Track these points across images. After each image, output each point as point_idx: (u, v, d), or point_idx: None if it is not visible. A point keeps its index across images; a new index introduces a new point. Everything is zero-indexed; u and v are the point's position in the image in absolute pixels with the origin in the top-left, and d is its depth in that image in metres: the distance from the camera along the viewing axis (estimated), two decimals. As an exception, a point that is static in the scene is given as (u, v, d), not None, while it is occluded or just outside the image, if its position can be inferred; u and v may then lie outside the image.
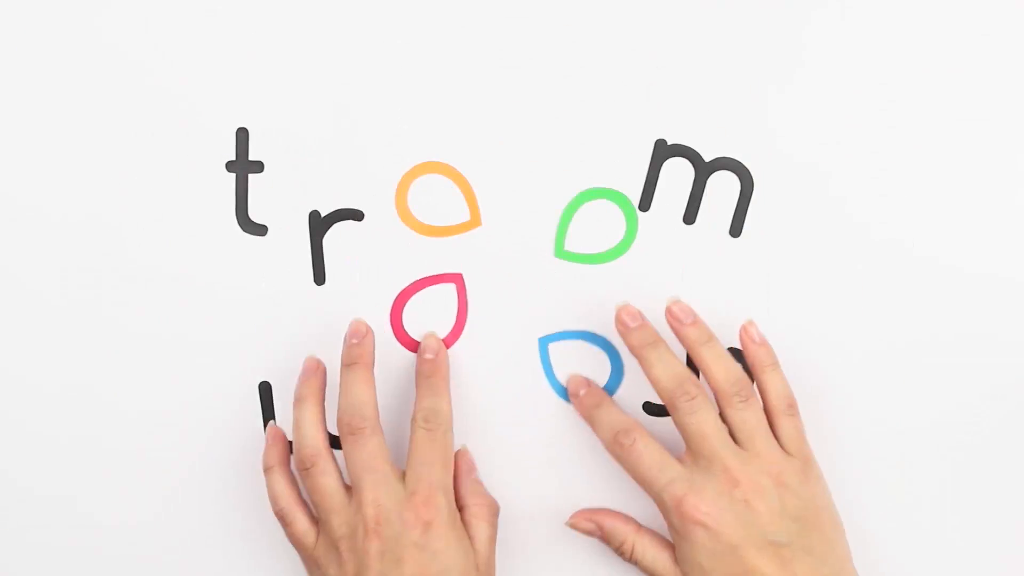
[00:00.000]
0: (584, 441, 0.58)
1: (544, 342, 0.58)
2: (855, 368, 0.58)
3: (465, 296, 0.58)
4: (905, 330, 0.57)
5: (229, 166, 0.58)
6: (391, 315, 0.59)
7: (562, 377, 0.58)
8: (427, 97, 0.58)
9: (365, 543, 0.53)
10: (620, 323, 0.56)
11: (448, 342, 0.58)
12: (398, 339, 0.59)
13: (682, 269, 0.58)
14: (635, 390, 0.58)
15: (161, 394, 0.59)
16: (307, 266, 0.58)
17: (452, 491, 0.56)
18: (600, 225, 0.58)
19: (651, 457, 0.54)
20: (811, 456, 0.55)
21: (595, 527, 0.57)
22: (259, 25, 0.58)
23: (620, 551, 0.57)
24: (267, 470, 0.57)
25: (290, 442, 0.58)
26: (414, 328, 0.59)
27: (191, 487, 0.59)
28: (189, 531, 0.60)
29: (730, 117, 0.57)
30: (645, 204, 0.58)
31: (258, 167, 0.58)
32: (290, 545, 0.57)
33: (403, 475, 0.55)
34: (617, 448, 0.55)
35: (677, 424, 0.54)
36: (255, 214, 0.58)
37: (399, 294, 0.58)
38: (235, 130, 0.58)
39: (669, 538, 0.56)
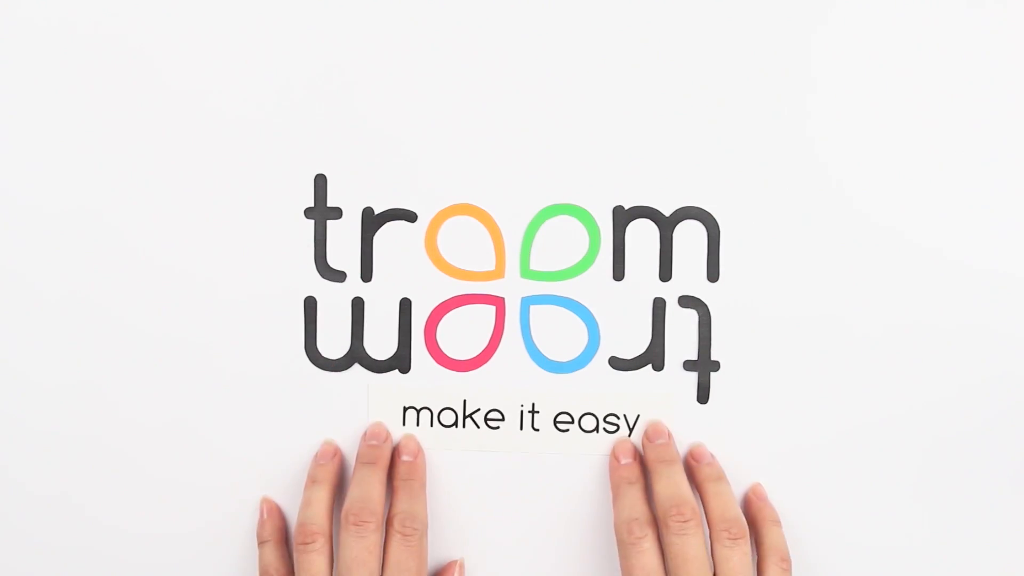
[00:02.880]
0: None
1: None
2: (846, 371, 0.58)
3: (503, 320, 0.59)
4: (896, 327, 0.58)
5: (307, 212, 0.58)
6: (426, 327, 0.59)
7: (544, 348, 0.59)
8: (481, 140, 0.58)
9: None
10: (646, 437, 0.58)
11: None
12: (430, 352, 0.59)
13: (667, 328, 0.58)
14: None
15: (194, 399, 0.59)
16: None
17: None
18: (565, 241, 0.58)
19: (650, 562, 0.54)
20: None
21: None
22: (335, 71, 0.58)
23: None
24: (262, 543, 0.58)
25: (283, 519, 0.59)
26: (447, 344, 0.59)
27: (192, 489, 0.60)
28: (189, 531, 0.60)
29: (688, 167, 0.58)
30: (618, 273, 0.59)
31: (336, 213, 0.58)
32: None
33: None
34: (625, 534, 0.55)
35: (664, 543, 0.54)
36: (333, 260, 0.59)
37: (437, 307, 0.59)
38: (313, 176, 0.58)
39: None
